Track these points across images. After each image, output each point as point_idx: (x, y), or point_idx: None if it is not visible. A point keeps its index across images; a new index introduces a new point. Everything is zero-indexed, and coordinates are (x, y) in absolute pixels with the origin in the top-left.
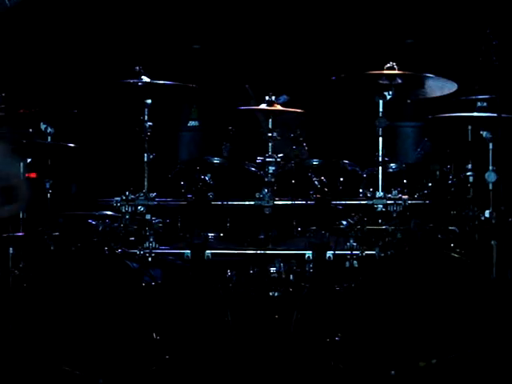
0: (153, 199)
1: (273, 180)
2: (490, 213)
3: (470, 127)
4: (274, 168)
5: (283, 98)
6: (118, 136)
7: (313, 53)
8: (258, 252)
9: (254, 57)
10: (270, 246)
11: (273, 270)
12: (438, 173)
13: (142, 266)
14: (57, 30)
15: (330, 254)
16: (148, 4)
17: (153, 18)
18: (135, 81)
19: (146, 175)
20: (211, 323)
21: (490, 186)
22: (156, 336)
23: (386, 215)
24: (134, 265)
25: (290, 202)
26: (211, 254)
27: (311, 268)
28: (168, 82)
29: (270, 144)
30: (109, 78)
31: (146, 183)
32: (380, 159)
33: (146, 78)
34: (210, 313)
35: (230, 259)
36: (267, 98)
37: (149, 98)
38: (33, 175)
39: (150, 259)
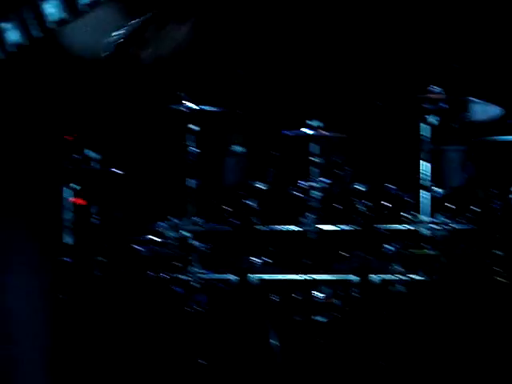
0: (198, 224)
1: (317, 205)
2: None
3: None
4: (318, 193)
5: None
6: (163, 161)
7: (355, 76)
8: (303, 277)
9: (297, 81)
10: (315, 271)
11: (318, 294)
12: (483, 197)
13: (188, 292)
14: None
15: (375, 278)
16: (189, 30)
17: (196, 43)
18: (180, 107)
19: (191, 200)
20: (257, 348)
21: None
22: (201, 361)
23: (430, 240)
24: (180, 290)
25: (334, 227)
26: (256, 278)
27: (356, 293)
28: (213, 107)
29: (313, 169)
30: (154, 104)
31: (191, 208)
32: (425, 183)
33: (190, 105)
34: (255, 337)
35: (275, 284)
36: (310, 122)
37: (194, 124)
38: (81, 202)
39: (195, 284)
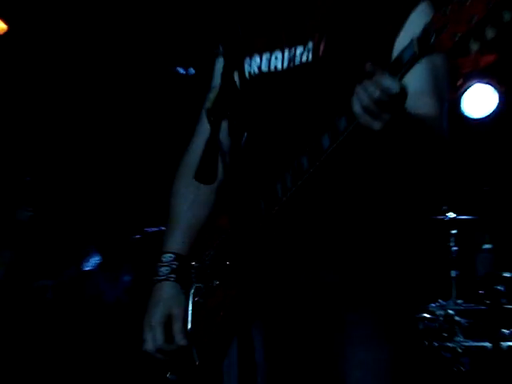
0: (459, 304)
1: None
2: None
3: None
4: None
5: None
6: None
7: None
8: None
9: None
10: None
11: None
12: None
13: (454, 356)
14: None
15: None
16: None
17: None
18: (442, 217)
19: (453, 286)
20: None
21: None
22: None
23: None
24: (447, 354)
25: None
26: (506, 345)
27: None
28: (467, 215)
29: None
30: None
31: (453, 292)
32: None
33: (451, 214)
34: None
35: None
36: None
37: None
38: None
39: (459, 350)
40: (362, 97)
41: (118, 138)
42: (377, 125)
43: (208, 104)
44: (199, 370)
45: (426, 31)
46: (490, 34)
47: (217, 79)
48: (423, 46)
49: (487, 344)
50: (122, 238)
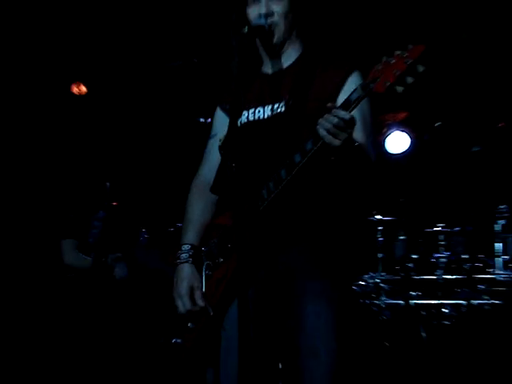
0: (383, 275)
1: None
2: None
3: None
4: None
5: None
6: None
7: None
8: (439, 301)
9: None
10: (446, 298)
11: (444, 310)
12: None
13: (379, 309)
14: None
15: None
16: None
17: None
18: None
19: (380, 264)
20: (410, 337)
21: None
22: (387, 343)
23: None
24: (375, 308)
25: None
26: (413, 302)
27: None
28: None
29: None
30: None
31: (380, 267)
32: None
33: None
34: (411, 332)
35: (423, 305)
36: None
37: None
38: None
39: (383, 306)
40: (325, 123)
41: (164, 166)
42: (337, 142)
43: (219, 143)
44: (210, 320)
45: (367, 80)
46: (409, 80)
47: (215, 128)
48: (365, 90)
49: (401, 301)
50: (162, 230)
